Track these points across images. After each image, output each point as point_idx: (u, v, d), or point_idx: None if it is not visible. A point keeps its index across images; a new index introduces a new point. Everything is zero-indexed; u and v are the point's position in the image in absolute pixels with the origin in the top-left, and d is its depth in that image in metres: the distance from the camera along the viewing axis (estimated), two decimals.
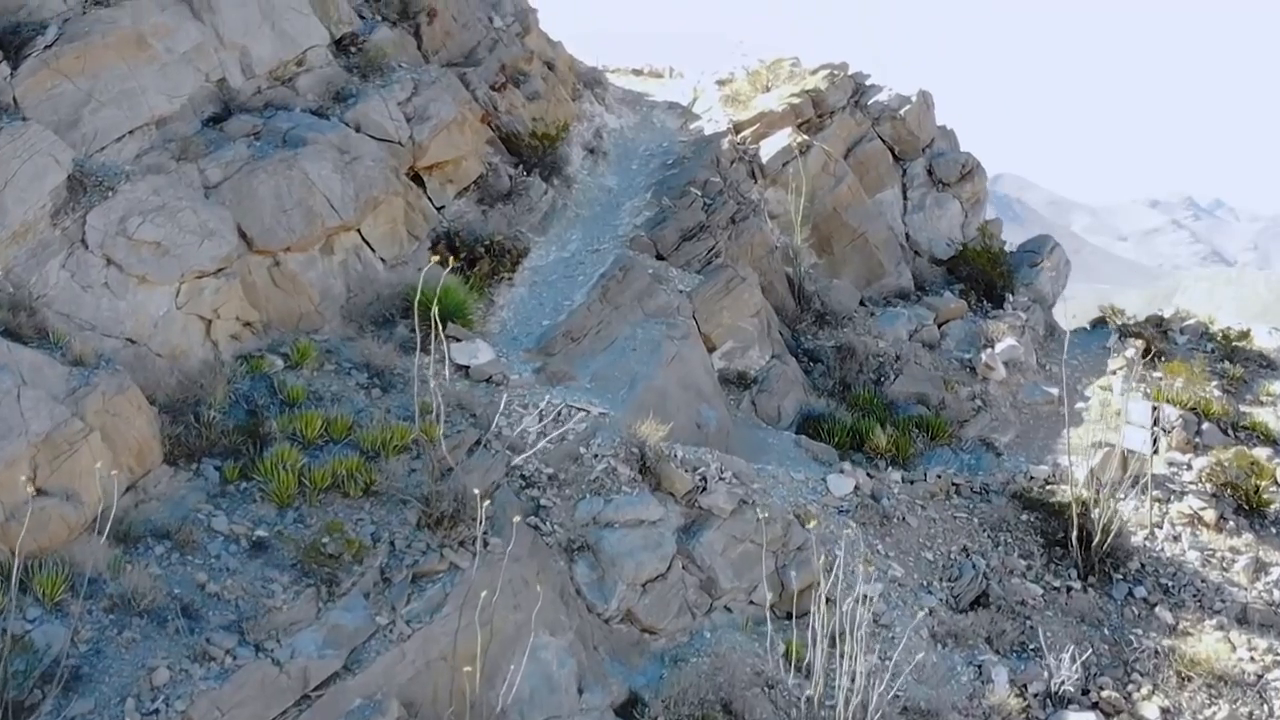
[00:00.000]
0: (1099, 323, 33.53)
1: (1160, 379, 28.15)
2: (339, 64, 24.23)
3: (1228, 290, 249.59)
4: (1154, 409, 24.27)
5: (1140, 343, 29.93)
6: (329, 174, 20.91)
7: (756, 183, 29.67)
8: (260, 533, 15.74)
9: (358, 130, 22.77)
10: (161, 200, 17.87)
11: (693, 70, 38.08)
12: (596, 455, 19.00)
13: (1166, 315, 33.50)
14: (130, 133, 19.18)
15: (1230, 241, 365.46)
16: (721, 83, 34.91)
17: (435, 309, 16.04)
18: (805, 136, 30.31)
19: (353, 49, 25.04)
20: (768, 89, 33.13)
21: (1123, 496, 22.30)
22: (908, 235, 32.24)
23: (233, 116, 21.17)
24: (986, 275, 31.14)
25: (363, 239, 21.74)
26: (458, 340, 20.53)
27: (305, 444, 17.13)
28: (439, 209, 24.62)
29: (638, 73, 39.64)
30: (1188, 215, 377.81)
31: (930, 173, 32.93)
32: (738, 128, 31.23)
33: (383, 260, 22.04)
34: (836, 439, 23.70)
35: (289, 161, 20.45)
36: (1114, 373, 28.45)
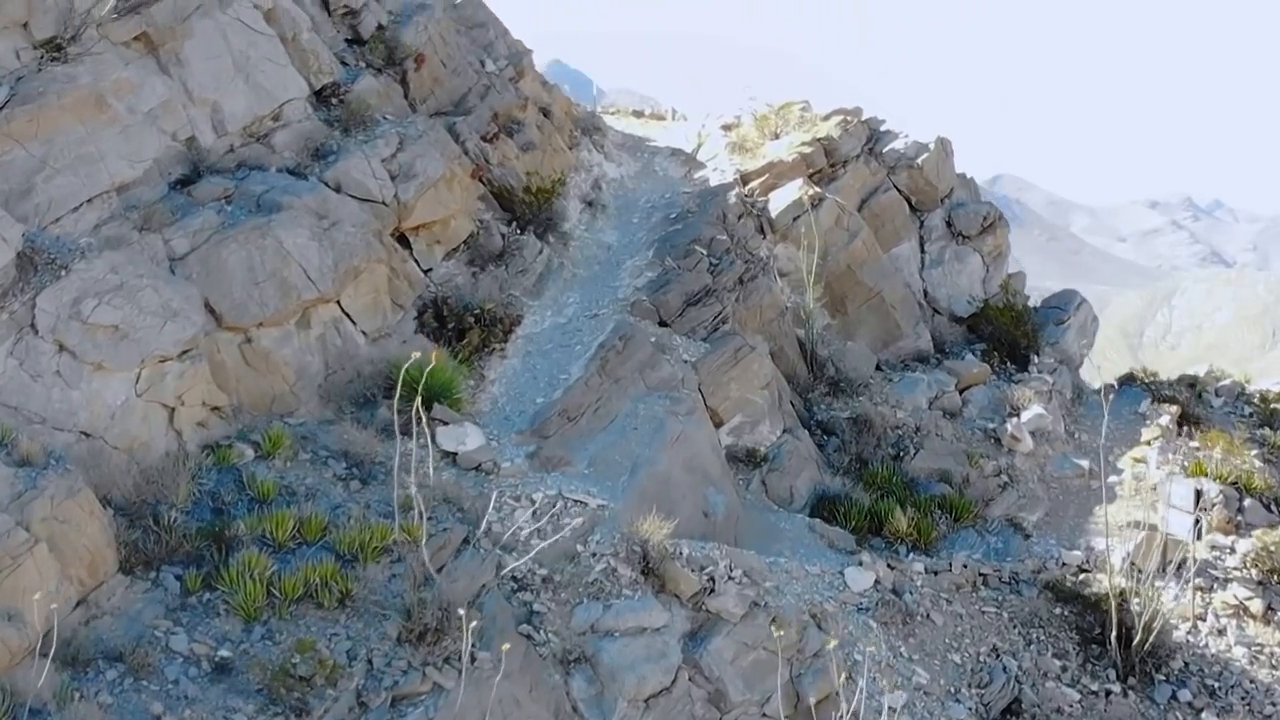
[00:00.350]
0: (1127, 380, 32.67)
1: (1197, 449, 27.22)
2: (318, 117, 23.32)
3: (1227, 291, 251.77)
4: (1197, 492, 23.28)
5: (1174, 409, 29.04)
6: (305, 242, 19.96)
7: (765, 238, 28.78)
8: (224, 653, 14.71)
9: (338, 190, 21.86)
10: (120, 279, 16.91)
11: (697, 112, 37.30)
12: (595, 554, 18.02)
13: (1200, 374, 32.62)
14: (88, 201, 18.21)
15: (1229, 242, 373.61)
16: (727, 128, 34.04)
17: (419, 399, 15.20)
18: (817, 189, 29.42)
19: (334, 100, 24.14)
20: (776, 136, 32.27)
21: (1162, 584, 21.30)
22: (925, 292, 31.36)
23: (202, 179, 20.23)
24: (1010, 335, 30.26)
25: (342, 311, 20.78)
26: (444, 424, 19.57)
27: (276, 547, 16.12)
28: (426, 271, 23.70)
29: (638, 115, 38.81)
30: (1187, 216, 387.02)
31: (949, 225, 32.09)
32: (745, 178, 30.34)
33: (364, 333, 21.09)
34: (854, 523, 22.69)
35: (262, 229, 19.51)
36: (1148, 443, 27.48)
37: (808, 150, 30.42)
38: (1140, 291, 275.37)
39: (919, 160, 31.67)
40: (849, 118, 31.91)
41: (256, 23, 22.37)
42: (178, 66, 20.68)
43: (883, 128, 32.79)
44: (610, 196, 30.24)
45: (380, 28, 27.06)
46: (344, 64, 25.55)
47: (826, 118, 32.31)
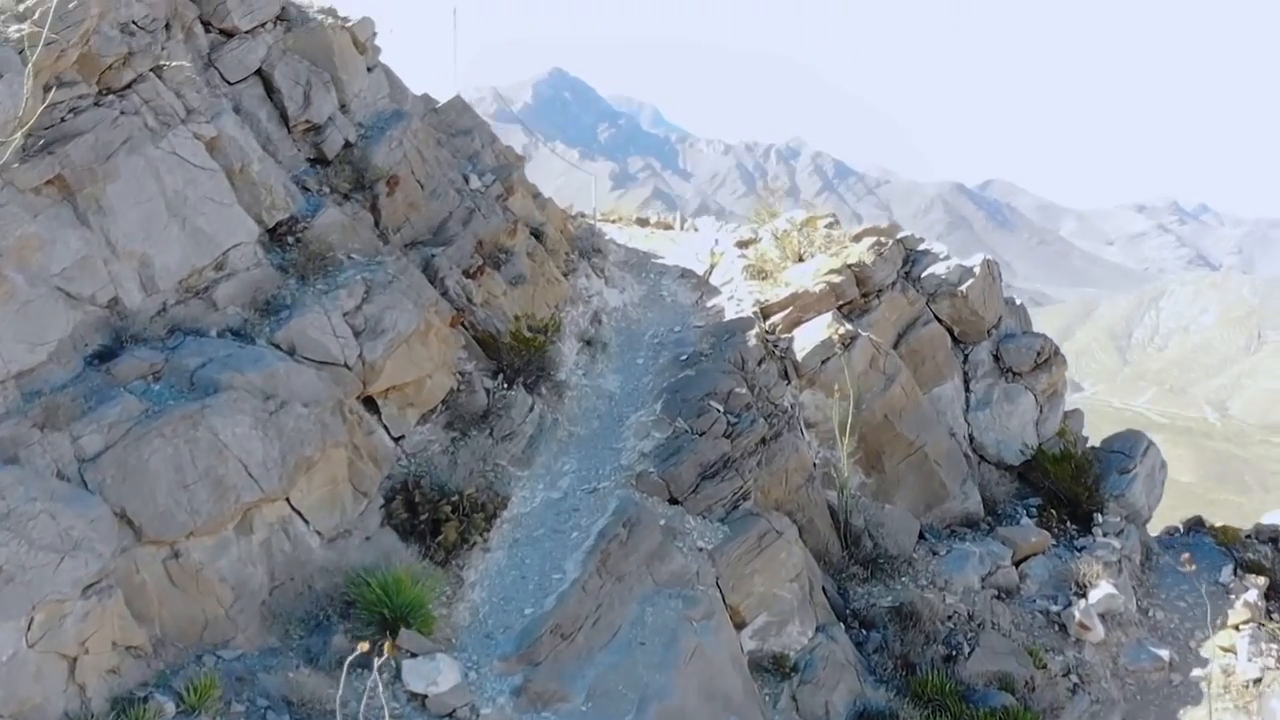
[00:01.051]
0: (1195, 526, 30.23)
1: None
2: (271, 262, 20.81)
3: (1212, 293, 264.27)
4: None
5: (1262, 580, 26.44)
6: (246, 432, 17.34)
7: (790, 384, 26.21)
8: None
9: (291, 353, 19.35)
10: (7, 505, 14.28)
11: (708, 223, 34.95)
12: None
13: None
14: None
15: (1215, 245, 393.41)
16: (744, 244, 31.64)
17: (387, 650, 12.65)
18: (848, 325, 26.89)
19: (290, 239, 21.67)
20: (800, 258, 29.84)
21: None
22: (971, 437, 28.78)
23: (124, 352, 17.60)
24: (1069, 490, 27.61)
25: (292, 509, 18.11)
26: (412, 655, 16.89)
27: None
28: (397, 439, 21.15)
29: (643, 223, 36.46)
30: (1173, 220, 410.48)
31: (997, 359, 29.57)
32: (765, 311, 27.83)
33: (319, 534, 18.40)
34: None
35: (193, 419, 16.87)
36: (1236, 627, 24.81)
37: (837, 279, 27.94)
38: (1128, 294, 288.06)
39: (962, 287, 29.19)
40: (882, 239, 29.45)
41: (196, 155, 19.88)
42: (99, 214, 18.12)
43: (920, 247, 30.35)
44: (611, 331, 27.78)
45: (347, 145, 24.76)
46: (304, 189, 23.20)
47: (857, 238, 29.91)
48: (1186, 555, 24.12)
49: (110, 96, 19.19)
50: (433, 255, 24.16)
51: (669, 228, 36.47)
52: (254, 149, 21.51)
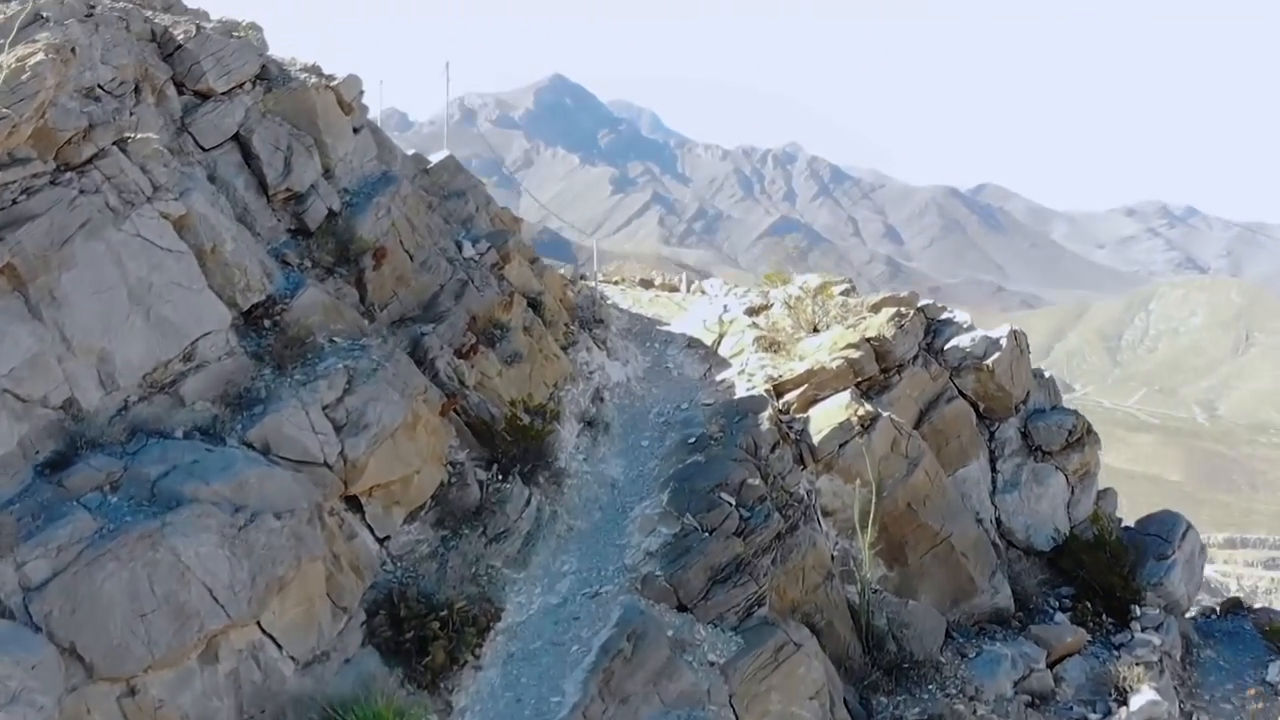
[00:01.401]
0: (1232, 609, 28.76)
1: None
2: (245, 349, 19.39)
3: (1201, 296, 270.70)
4: None
5: None
6: (212, 551, 15.86)
7: (805, 468, 24.76)
8: None
9: (266, 453, 17.94)
10: None
11: (716, 285, 33.55)
12: None
13: None
14: None
15: (1203, 248, 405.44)
16: (754, 312, 30.22)
17: None
18: (867, 405, 25.46)
19: (266, 322, 20.27)
20: (815, 328, 28.42)
21: None
22: (999, 521, 27.34)
23: (79, 460, 16.16)
24: (1104, 580, 26.14)
25: (263, 632, 16.64)
26: None
27: None
28: (382, 541, 19.69)
29: (647, 285, 35.04)
30: (1162, 223, 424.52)
31: (1026, 437, 28.14)
32: (779, 389, 26.43)
33: (293, 659, 16.90)
34: None
35: (152, 539, 15.40)
36: None
37: (855, 354, 26.53)
38: (1119, 297, 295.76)
39: (988, 360, 27.79)
40: (903, 309, 28.04)
41: (163, 237, 18.47)
42: (52, 307, 16.70)
43: (942, 316, 28.94)
44: (614, 409, 26.37)
45: (331, 215, 23.41)
46: (284, 264, 21.87)
47: (875, 308, 28.54)
48: (1252, 690, 22.72)
49: (68, 174, 17.78)
50: (422, 334, 22.79)
51: (675, 290, 35.14)
52: (227, 225, 20.14)
